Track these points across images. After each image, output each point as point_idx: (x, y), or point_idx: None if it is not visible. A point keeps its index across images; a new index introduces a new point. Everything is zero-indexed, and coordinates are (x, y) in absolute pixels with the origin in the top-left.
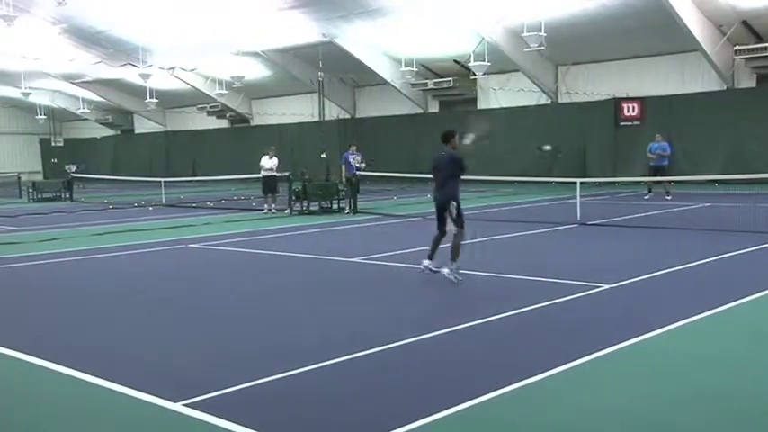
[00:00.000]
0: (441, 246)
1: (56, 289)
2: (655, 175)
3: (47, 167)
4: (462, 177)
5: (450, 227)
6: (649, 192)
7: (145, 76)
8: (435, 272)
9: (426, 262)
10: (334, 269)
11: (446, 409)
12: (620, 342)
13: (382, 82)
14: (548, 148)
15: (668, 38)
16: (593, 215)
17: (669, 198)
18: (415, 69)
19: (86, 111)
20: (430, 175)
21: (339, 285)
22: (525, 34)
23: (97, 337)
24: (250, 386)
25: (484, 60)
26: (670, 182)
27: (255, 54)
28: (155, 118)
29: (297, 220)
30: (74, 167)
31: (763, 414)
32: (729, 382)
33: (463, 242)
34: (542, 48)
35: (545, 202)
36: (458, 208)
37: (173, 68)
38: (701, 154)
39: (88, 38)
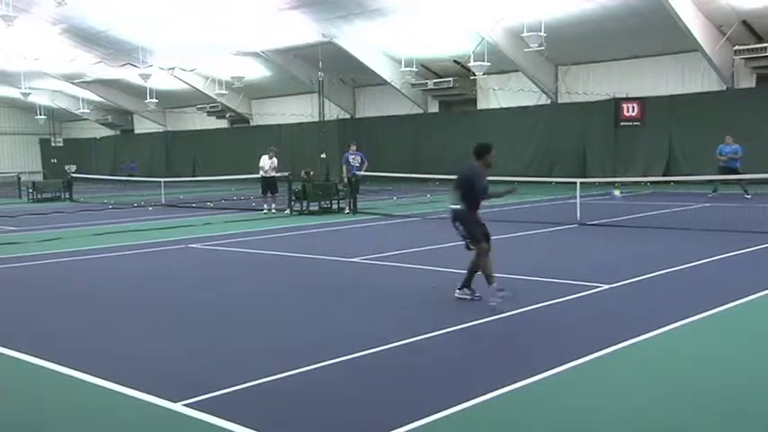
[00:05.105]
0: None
1: (56, 289)
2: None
3: (47, 167)
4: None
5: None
6: (714, 191)
7: (145, 76)
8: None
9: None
10: (333, 269)
11: (446, 409)
12: (621, 342)
13: (382, 82)
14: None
15: (668, 38)
16: (593, 215)
17: (749, 197)
18: (415, 69)
19: (86, 111)
20: (430, 175)
21: (339, 285)
22: (525, 34)
23: (97, 337)
24: (250, 386)
25: (484, 60)
26: (746, 180)
27: (255, 54)
28: (155, 118)
29: (297, 220)
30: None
31: (764, 414)
32: (729, 382)
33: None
34: (542, 48)
35: (545, 202)
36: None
37: (173, 68)
38: (702, 154)
39: (88, 38)
